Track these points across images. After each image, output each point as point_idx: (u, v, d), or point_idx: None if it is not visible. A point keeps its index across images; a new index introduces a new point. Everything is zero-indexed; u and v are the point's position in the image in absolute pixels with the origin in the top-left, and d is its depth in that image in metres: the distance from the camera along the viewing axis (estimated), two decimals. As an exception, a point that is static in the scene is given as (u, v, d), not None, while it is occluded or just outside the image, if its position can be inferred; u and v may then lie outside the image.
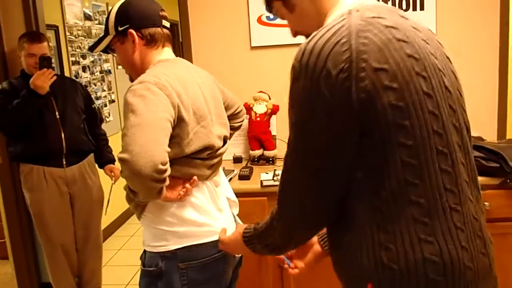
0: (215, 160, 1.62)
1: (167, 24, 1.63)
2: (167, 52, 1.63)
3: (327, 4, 1.09)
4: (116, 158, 1.37)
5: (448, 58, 1.09)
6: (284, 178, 1.06)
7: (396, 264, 0.95)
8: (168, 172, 1.37)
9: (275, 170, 2.51)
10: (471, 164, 1.05)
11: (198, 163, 1.54)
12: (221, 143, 1.65)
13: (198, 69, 1.70)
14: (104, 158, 3.25)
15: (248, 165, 2.71)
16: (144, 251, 1.62)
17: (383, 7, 1.02)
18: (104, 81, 4.44)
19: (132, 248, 4.16)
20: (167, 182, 1.39)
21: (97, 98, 4.30)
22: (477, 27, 2.71)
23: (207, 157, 1.57)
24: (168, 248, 1.54)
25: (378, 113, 0.92)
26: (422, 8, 2.75)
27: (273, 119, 2.81)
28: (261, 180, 2.38)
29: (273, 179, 2.38)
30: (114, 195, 4.61)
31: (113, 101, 4.61)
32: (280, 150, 2.83)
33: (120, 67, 4.81)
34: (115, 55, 1.67)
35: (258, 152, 2.76)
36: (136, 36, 1.56)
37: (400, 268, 0.95)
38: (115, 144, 4.58)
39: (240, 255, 1.72)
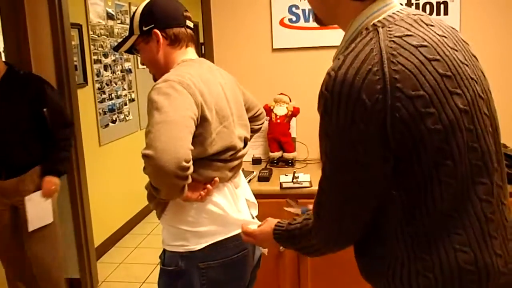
0: (236, 162, 1.62)
1: (191, 25, 1.65)
2: (190, 52, 1.65)
3: (355, 12, 1.05)
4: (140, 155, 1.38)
5: (474, 56, 1.08)
6: (322, 201, 1.06)
7: (431, 273, 0.96)
8: (191, 170, 1.38)
9: (294, 172, 2.50)
10: (502, 167, 1.05)
11: (220, 166, 1.55)
12: (242, 144, 1.65)
13: (221, 70, 1.71)
14: (46, 167, 2.71)
15: (267, 167, 2.71)
16: (164, 250, 1.63)
17: (407, 16, 1.00)
18: (124, 80, 4.48)
19: (148, 246, 4.19)
20: (190, 180, 1.40)
21: (118, 97, 4.34)
22: (501, 32, 2.67)
23: (229, 158, 1.57)
24: (187, 249, 1.54)
25: (415, 140, 0.91)
26: (446, 13, 2.72)
27: (293, 121, 2.80)
28: (280, 182, 2.38)
29: (292, 182, 2.38)
30: (132, 192, 4.66)
31: (133, 100, 4.65)
32: (300, 152, 2.83)
33: (142, 66, 4.86)
34: (139, 55, 1.69)
35: (277, 154, 2.76)
36: (160, 36, 1.58)
37: (435, 277, 0.96)
38: (134, 143, 4.64)
39: (259, 255, 1.73)
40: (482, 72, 1.07)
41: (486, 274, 0.96)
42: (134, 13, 1.62)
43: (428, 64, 0.92)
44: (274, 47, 2.84)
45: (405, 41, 0.93)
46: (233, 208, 1.62)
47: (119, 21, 4.39)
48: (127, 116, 4.52)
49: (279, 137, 2.73)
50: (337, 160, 0.98)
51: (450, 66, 0.94)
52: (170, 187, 1.38)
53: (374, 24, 0.98)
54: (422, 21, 1.00)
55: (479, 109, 0.99)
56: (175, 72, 1.51)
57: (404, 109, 0.89)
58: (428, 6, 2.72)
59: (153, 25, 1.57)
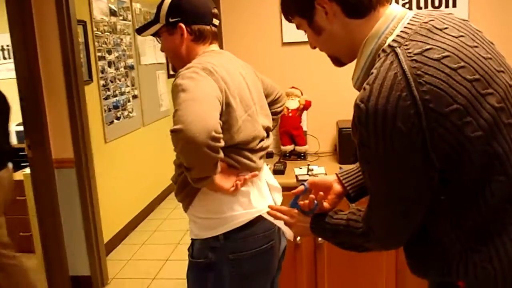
0: (263, 153, 1.63)
1: (217, 23, 1.65)
2: (213, 48, 1.65)
3: (362, 32, 1.05)
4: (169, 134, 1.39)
5: (491, 43, 1.07)
6: (372, 216, 1.09)
7: (489, 264, 0.98)
8: (222, 143, 1.38)
9: (308, 165, 2.52)
10: None
11: (249, 155, 1.56)
12: (265, 134, 1.66)
13: (240, 61, 1.72)
14: None
15: (280, 160, 2.72)
16: (192, 242, 1.64)
17: (420, 27, 0.99)
18: (128, 76, 4.47)
19: (155, 242, 4.19)
20: (221, 154, 1.40)
21: (121, 94, 4.33)
22: (510, 22, 2.69)
23: (257, 148, 1.58)
24: (217, 232, 1.55)
25: (458, 152, 0.92)
26: (454, 5, 2.74)
27: (304, 114, 2.81)
28: (296, 175, 2.39)
29: (308, 174, 2.39)
30: (137, 189, 4.66)
31: (136, 96, 4.63)
32: (311, 145, 2.84)
33: (145, 63, 4.84)
34: (159, 41, 1.69)
35: (289, 148, 2.77)
36: (185, 31, 1.58)
37: (494, 267, 0.97)
38: (138, 139, 4.64)
39: (284, 246, 1.74)
40: (503, 58, 1.06)
41: None
42: (162, 1, 1.62)
43: (455, 74, 0.91)
44: (284, 41, 2.85)
45: (426, 56, 0.92)
46: (258, 194, 1.63)
47: (121, 18, 4.37)
48: (131, 113, 4.51)
49: (291, 131, 2.74)
50: (381, 183, 1.00)
51: (476, 68, 0.94)
52: (202, 161, 1.37)
53: (390, 45, 0.97)
54: (435, 27, 0.98)
55: None
56: (197, 61, 1.53)
57: (442, 127, 0.90)
58: (437, 0, 2.74)
59: (179, 19, 1.58)
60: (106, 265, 3.51)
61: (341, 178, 1.36)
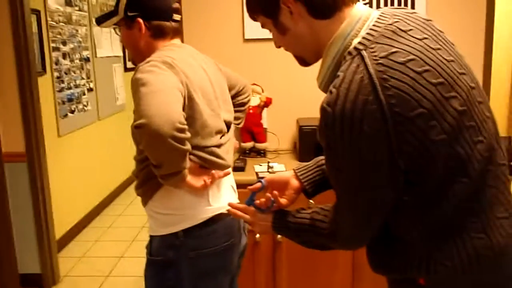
0: (226, 147, 1.61)
1: (178, 18, 1.62)
2: (174, 42, 1.62)
3: (327, 33, 1.05)
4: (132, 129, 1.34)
5: (452, 44, 1.08)
6: (338, 220, 1.10)
7: (449, 261, 1.00)
8: (188, 135, 1.35)
9: (268, 162, 2.51)
10: (500, 145, 1.08)
11: (215, 150, 1.54)
12: (226, 129, 1.64)
13: (202, 55, 1.69)
14: None
15: (240, 157, 2.71)
16: (150, 240, 1.61)
17: (385, 29, 0.99)
18: (83, 69, 4.34)
19: (109, 239, 4.08)
20: (189, 146, 1.38)
21: (76, 86, 4.20)
22: (467, 24, 2.78)
23: (221, 143, 1.56)
24: (176, 229, 1.52)
25: (423, 155, 0.93)
26: (413, 7, 2.80)
27: (264, 111, 2.81)
28: (256, 172, 2.39)
29: (268, 171, 2.39)
30: (91, 185, 4.54)
31: (91, 89, 4.51)
32: (271, 143, 2.84)
33: (100, 55, 4.72)
34: (118, 33, 1.65)
35: (249, 145, 2.76)
36: (143, 26, 1.54)
37: (454, 264, 0.99)
38: (93, 133, 4.52)
39: (244, 244, 1.73)
40: (463, 59, 1.07)
41: (501, 255, 1.00)
42: None
43: (420, 78, 0.92)
44: (245, 37, 2.83)
45: (391, 60, 0.92)
46: (215, 192, 1.61)
47: (77, 8, 4.24)
48: (86, 106, 4.39)
49: (251, 128, 2.73)
50: (349, 187, 1.01)
51: (440, 71, 0.95)
52: (170, 154, 1.34)
53: (356, 48, 0.98)
54: (400, 29, 0.99)
55: (474, 101, 1.01)
56: (156, 55, 1.50)
57: (407, 131, 0.91)
58: (396, 1, 2.79)
59: (138, 13, 1.54)
60: (57, 263, 3.40)
61: (298, 173, 1.35)
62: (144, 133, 1.29)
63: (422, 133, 0.91)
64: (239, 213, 1.33)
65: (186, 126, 1.34)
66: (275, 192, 1.27)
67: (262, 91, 2.76)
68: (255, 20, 1.17)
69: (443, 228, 1.00)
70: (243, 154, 2.77)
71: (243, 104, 1.92)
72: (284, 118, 2.91)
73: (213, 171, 1.52)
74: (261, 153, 2.76)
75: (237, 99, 1.84)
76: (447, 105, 0.94)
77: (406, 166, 0.94)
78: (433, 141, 0.92)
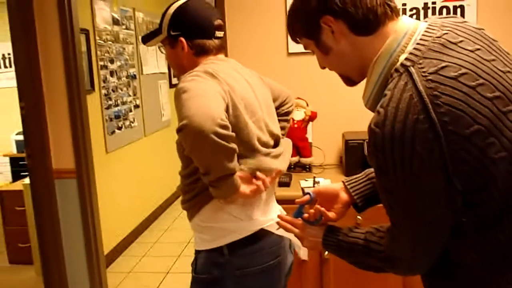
0: (274, 158, 1.57)
1: (221, 34, 1.60)
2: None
3: (371, 49, 1.01)
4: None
5: (507, 53, 1.02)
6: (394, 246, 1.04)
7: None
8: (231, 132, 1.32)
9: (314, 177, 2.47)
10: None
11: (263, 159, 1.51)
12: (272, 143, 1.60)
13: (246, 69, 1.67)
14: None
15: (286, 172, 2.67)
16: (196, 258, 1.58)
17: (433, 42, 0.94)
18: (129, 86, 4.43)
19: (156, 255, 4.12)
20: (235, 146, 1.34)
21: (123, 103, 4.29)
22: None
23: (268, 152, 1.54)
24: (222, 243, 1.50)
25: (481, 174, 0.88)
26: (462, 16, 2.71)
27: (309, 126, 2.77)
28: (302, 188, 2.35)
29: (313, 186, 2.34)
30: (138, 200, 4.60)
31: (137, 106, 4.60)
32: (316, 157, 2.80)
33: (146, 72, 4.81)
34: (162, 51, 1.66)
35: (294, 159, 2.72)
36: (186, 45, 1.55)
37: None
38: (139, 150, 4.59)
39: (291, 262, 1.68)
40: None
41: None
42: (166, 10, 1.58)
43: (474, 93, 0.86)
44: (289, 51, 2.82)
45: (441, 75, 0.87)
46: (262, 206, 1.58)
47: (124, 27, 4.35)
48: (132, 123, 4.47)
49: (296, 142, 2.69)
50: (404, 211, 0.95)
51: (496, 84, 0.89)
52: (216, 154, 1.31)
53: (403, 64, 0.93)
54: (449, 41, 0.94)
55: None
56: (200, 67, 1.50)
57: (463, 150, 0.85)
58: (444, 10, 2.71)
59: (180, 33, 1.54)
60: (106, 278, 3.44)
61: (348, 186, 1.29)
62: (187, 133, 1.27)
63: (479, 152, 0.86)
64: (289, 226, 1.28)
65: (228, 123, 1.31)
66: (322, 208, 1.23)
67: (307, 105, 2.72)
68: (297, 42, 1.15)
69: (506, 252, 0.93)
70: (288, 169, 2.72)
71: (288, 114, 1.88)
72: (329, 132, 2.85)
73: (262, 176, 1.48)
74: (307, 168, 2.72)
75: (281, 109, 1.81)
76: (506, 120, 0.88)
77: (464, 187, 0.88)
78: (492, 159, 0.87)
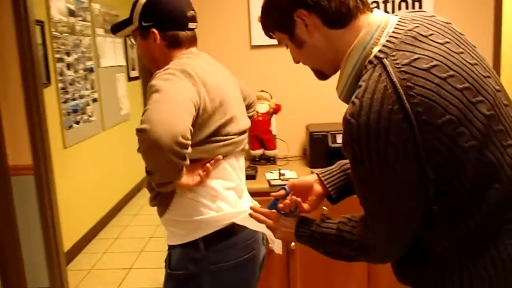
0: (236, 139, 1.56)
1: (194, 26, 1.58)
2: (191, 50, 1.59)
3: (344, 42, 1.03)
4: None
5: (474, 46, 1.05)
6: (369, 235, 1.06)
7: (484, 271, 0.97)
8: (189, 151, 1.31)
9: (279, 169, 2.49)
10: None
11: (216, 145, 1.50)
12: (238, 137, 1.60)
13: (218, 63, 1.66)
14: None
15: (250, 165, 2.68)
16: (169, 254, 1.57)
17: (405, 35, 0.96)
18: (87, 79, 4.32)
19: (118, 251, 4.05)
20: (187, 161, 1.34)
21: (81, 97, 4.17)
22: (475, 27, 2.75)
23: (230, 136, 1.53)
24: (196, 236, 1.48)
25: (453, 163, 0.91)
26: (420, 6, 2.77)
27: (273, 118, 2.78)
28: (268, 180, 2.36)
29: (280, 179, 2.36)
30: (98, 196, 4.51)
31: (95, 100, 4.48)
32: (280, 149, 2.81)
33: (104, 65, 4.70)
34: (134, 43, 1.62)
35: (259, 152, 2.73)
36: (158, 36, 1.51)
37: (489, 274, 0.96)
38: (97, 144, 4.48)
39: (263, 255, 1.69)
40: (483, 58, 1.04)
41: None
42: (137, 0, 1.54)
43: (445, 84, 0.89)
44: (252, 44, 2.81)
45: (414, 67, 0.90)
46: (236, 197, 1.59)
47: (80, 18, 4.22)
48: (91, 117, 4.36)
49: (260, 135, 2.70)
50: (378, 200, 0.98)
51: (465, 76, 0.92)
52: (165, 165, 1.30)
53: (376, 56, 0.95)
54: (420, 34, 0.96)
55: (501, 104, 0.98)
56: (175, 63, 1.46)
57: (435, 140, 0.88)
58: (403, 4, 2.77)
59: (152, 24, 1.51)
60: (66, 276, 3.36)
61: (322, 178, 1.31)
62: (144, 139, 1.25)
63: (450, 141, 0.89)
64: (262, 217, 1.29)
65: (189, 142, 1.30)
66: (298, 198, 1.24)
67: (271, 97, 2.73)
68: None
69: (476, 237, 0.97)
70: (253, 161, 2.74)
71: (249, 118, 1.89)
72: (293, 125, 2.88)
73: (207, 164, 1.46)
74: (271, 161, 2.73)
75: (248, 111, 1.81)
76: (475, 110, 0.91)
77: (436, 175, 0.91)
78: (462, 148, 0.90)
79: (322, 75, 1.14)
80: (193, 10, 1.57)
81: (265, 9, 1.12)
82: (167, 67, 1.42)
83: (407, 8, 2.76)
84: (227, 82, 1.58)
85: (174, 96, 1.32)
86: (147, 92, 1.37)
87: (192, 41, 1.57)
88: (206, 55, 1.62)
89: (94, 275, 3.65)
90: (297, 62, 1.16)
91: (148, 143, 1.25)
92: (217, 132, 1.46)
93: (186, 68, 1.41)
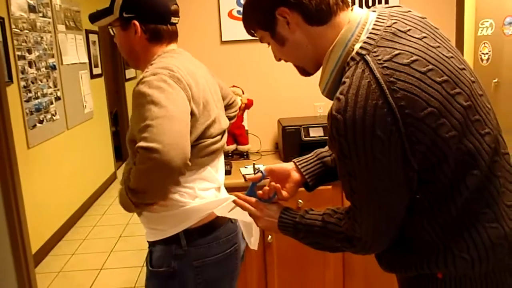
0: (218, 139, 1.58)
1: (176, 20, 1.56)
2: (173, 47, 1.57)
3: (325, 39, 1.06)
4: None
5: (448, 40, 1.09)
6: (356, 227, 1.07)
7: (467, 254, 1.00)
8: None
9: (254, 164, 2.50)
10: (501, 134, 1.10)
11: (202, 146, 1.50)
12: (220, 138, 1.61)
13: (198, 61, 1.65)
14: None
15: (224, 160, 2.67)
16: (150, 251, 1.56)
17: (385, 31, 1.00)
18: (49, 77, 4.20)
19: (86, 252, 3.97)
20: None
21: (44, 95, 4.06)
22: (438, 16, 2.83)
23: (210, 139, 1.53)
24: (179, 229, 1.48)
25: (435, 153, 0.94)
26: (386, 1, 2.84)
27: (245, 113, 2.79)
28: (243, 175, 2.36)
29: (254, 173, 2.37)
30: (63, 196, 4.40)
31: (59, 98, 4.37)
32: (253, 144, 2.82)
33: (66, 62, 4.59)
34: (113, 33, 1.56)
35: (232, 147, 2.73)
36: (139, 29, 1.48)
37: (471, 256, 1.00)
38: (61, 144, 4.37)
39: (243, 248, 1.70)
40: (458, 51, 1.08)
41: None
42: None
43: (425, 77, 0.93)
44: (223, 40, 2.81)
45: (396, 62, 0.93)
46: (215, 191, 1.60)
47: (40, 14, 4.10)
48: (54, 116, 4.25)
49: (233, 130, 2.71)
50: (365, 193, 1.00)
51: (443, 69, 0.96)
52: (163, 187, 1.34)
53: (358, 53, 0.98)
54: (399, 30, 1.00)
55: (476, 94, 1.03)
56: (160, 64, 1.43)
57: (419, 131, 0.92)
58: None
59: (134, 15, 1.47)
60: (35, 279, 3.27)
61: (299, 166, 1.33)
62: (152, 158, 1.25)
63: (432, 132, 0.92)
64: (246, 204, 1.28)
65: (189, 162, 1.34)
66: (278, 184, 1.25)
67: (243, 92, 2.73)
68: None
69: (457, 222, 1.01)
70: (226, 157, 2.73)
71: (231, 118, 1.88)
72: (264, 119, 2.89)
73: None
74: (244, 155, 2.74)
75: (227, 112, 1.80)
76: (454, 102, 0.95)
77: (419, 166, 0.95)
78: (443, 138, 0.93)
79: (304, 72, 1.17)
80: (176, 4, 1.54)
81: (247, 7, 1.14)
82: (153, 70, 1.39)
83: (374, 2, 2.81)
84: (208, 82, 1.58)
85: (175, 111, 1.32)
86: (137, 98, 1.34)
87: (173, 36, 1.55)
88: (187, 54, 1.60)
89: (63, 277, 3.57)
90: (278, 59, 1.18)
91: (157, 163, 1.25)
92: (202, 134, 1.47)
93: (174, 71, 1.38)
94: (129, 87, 7.01)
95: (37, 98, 3.93)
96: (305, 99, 2.83)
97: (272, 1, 1.05)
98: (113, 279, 3.44)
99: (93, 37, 5.53)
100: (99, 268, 3.63)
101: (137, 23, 1.47)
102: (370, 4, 2.81)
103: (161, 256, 1.50)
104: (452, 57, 1.02)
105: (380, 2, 2.82)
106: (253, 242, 1.67)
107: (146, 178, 1.32)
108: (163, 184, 1.33)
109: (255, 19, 1.12)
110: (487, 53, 4.27)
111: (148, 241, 1.57)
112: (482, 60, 4.29)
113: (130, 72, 7.22)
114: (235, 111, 1.91)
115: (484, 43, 4.60)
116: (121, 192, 1.44)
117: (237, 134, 2.72)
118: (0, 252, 3.04)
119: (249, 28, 1.16)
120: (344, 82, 0.96)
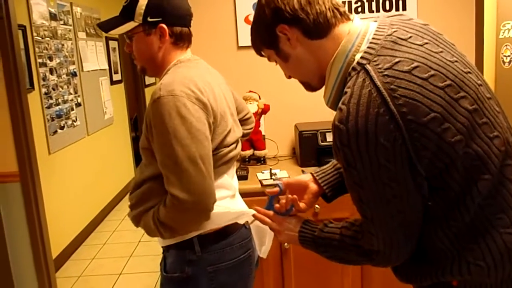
0: (234, 147, 1.57)
1: (191, 24, 1.57)
2: (188, 53, 1.57)
3: (326, 51, 1.07)
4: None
5: (453, 44, 1.09)
6: (372, 239, 1.06)
7: (482, 261, 0.98)
8: None
9: (271, 169, 2.49)
10: None
11: (219, 156, 1.50)
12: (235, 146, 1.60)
13: (213, 70, 1.64)
14: None
15: (241, 165, 2.67)
16: (164, 257, 1.56)
17: (385, 40, 1.00)
18: (70, 84, 4.27)
19: (106, 256, 4.01)
20: None
21: (64, 102, 4.12)
22: (454, 28, 2.79)
23: (226, 148, 1.53)
24: (194, 234, 1.48)
25: (441, 158, 0.94)
26: (404, 8, 2.81)
27: (262, 118, 2.78)
28: (260, 180, 2.36)
29: (271, 179, 2.36)
30: (84, 201, 4.46)
31: (79, 104, 4.43)
32: (270, 149, 2.82)
33: (87, 69, 4.65)
34: (128, 41, 1.53)
35: (248, 152, 2.73)
36: (167, 32, 1.47)
37: (487, 263, 0.98)
38: (81, 149, 4.43)
39: (257, 255, 1.68)
40: (463, 55, 1.07)
41: None
42: None
43: (427, 83, 0.93)
44: (239, 45, 2.81)
45: (396, 70, 0.94)
46: (231, 200, 1.60)
47: (61, 22, 4.17)
48: (75, 122, 4.31)
49: (250, 135, 2.69)
50: (375, 202, 0.99)
51: (446, 73, 0.96)
52: (197, 223, 1.44)
53: (359, 63, 0.99)
54: (400, 38, 1.00)
55: (484, 97, 1.01)
56: (176, 77, 1.40)
57: (423, 137, 0.91)
58: (387, 3, 2.79)
59: (161, 19, 1.46)
60: (56, 284, 3.31)
61: (317, 177, 1.34)
62: (185, 207, 1.34)
63: (437, 137, 0.92)
64: (267, 219, 1.31)
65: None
66: (295, 196, 1.26)
67: (259, 98, 2.73)
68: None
69: (471, 229, 0.99)
70: (243, 162, 2.73)
71: (246, 135, 1.87)
72: (281, 124, 2.89)
73: None
74: (261, 161, 2.74)
75: (244, 127, 1.79)
76: (458, 106, 0.94)
77: (427, 172, 0.95)
78: (449, 143, 0.93)
79: (310, 87, 1.19)
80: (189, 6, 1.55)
81: (252, 28, 1.18)
82: (169, 82, 1.37)
83: (391, 5, 2.79)
84: (223, 91, 1.57)
85: (198, 151, 1.35)
86: (156, 117, 1.33)
87: (190, 40, 1.56)
88: (202, 62, 1.59)
89: (83, 281, 3.60)
90: (288, 77, 1.21)
91: (194, 213, 1.37)
92: (219, 144, 1.47)
93: (192, 90, 1.37)
94: (148, 93, 7.07)
95: (58, 104, 3.99)
96: (322, 104, 2.77)
97: (272, 19, 1.08)
98: (132, 284, 3.46)
99: (113, 44, 5.60)
100: (119, 273, 3.65)
101: (164, 26, 1.46)
102: (387, 8, 2.79)
103: (175, 262, 1.50)
104: (456, 61, 1.01)
105: (397, 9, 2.80)
106: (263, 251, 1.67)
107: (180, 221, 1.41)
108: (196, 222, 1.43)
109: (260, 39, 1.16)
110: (509, 56, 4.19)
111: (162, 247, 1.57)
112: (504, 62, 4.20)
113: (149, 79, 7.29)
114: (251, 128, 1.90)
115: (506, 45, 4.52)
116: (146, 223, 1.46)
117: (254, 139, 2.71)
118: (21, 257, 3.09)
119: (256, 48, 1.20)
120: (346, 92, 0.97)
